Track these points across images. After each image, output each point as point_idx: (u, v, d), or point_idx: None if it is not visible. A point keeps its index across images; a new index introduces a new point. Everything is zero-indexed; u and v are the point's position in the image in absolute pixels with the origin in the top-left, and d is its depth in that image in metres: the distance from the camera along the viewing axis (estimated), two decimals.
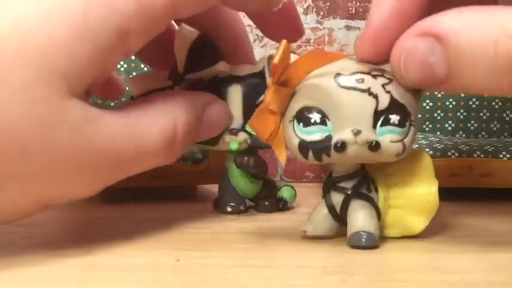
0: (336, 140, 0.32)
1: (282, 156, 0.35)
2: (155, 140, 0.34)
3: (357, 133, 0.32)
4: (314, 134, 0.33)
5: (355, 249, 0.34)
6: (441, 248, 0.35)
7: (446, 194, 0.47)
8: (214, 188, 0.50)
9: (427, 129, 0.55)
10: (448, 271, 0.30)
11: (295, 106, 0.33)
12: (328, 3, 0.56)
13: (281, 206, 0.44)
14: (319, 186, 0.53)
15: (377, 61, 0.33)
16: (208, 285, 0.28)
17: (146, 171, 0.35)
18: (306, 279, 0.29)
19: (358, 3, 0.60)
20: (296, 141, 0.34)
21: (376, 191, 0.35)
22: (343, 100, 0.32)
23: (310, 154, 0.33)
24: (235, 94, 0.40)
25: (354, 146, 0.32)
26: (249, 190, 0.43)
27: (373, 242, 0.34)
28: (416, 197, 0.35)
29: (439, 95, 0.51)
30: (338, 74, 0.32)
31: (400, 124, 0.32)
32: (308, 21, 0.60)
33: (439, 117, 0.54)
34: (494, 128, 0.53)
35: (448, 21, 0.29)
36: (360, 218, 0.34)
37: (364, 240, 0.34)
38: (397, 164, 0.34)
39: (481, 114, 0.53)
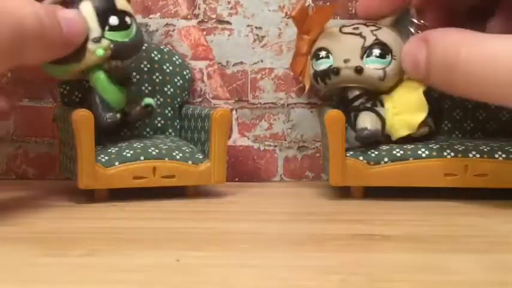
0: (333, 67, 0.47)
1: (307, 85, 0.51)
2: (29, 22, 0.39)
3: (346, 61, 0.47)
4: (322, 65, 0.48)
5: (355, 250, 0.34)
6: (441, 248, 0.35)
7: (443, 193, 0.47)
8: (215, 187, 0.50)
9: None
10: (448, 271, 0.30)
11: (314, 47, 0.49)
12: (328, 3, 0.56)
13: (150, 110, 0.48)
14: (319, 186, 0.54)
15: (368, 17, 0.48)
16: (208, 285, 0.28)
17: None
18: (306, 279, 0.29)
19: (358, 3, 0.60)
20: (312, 71, 0.49)
21: (382, 105, 0.48)
22: (342, 40, 0.47)
23: (319, 79, 0.48)
24: (87, 8, 0.44)
25: (345, 70, 0.47)
26: (119, 99, 0.47)
27: (373, 135, 0.47)
28: (411, 101, 0.47)
29: (436, 96, 0.51)
30: (343, 26, 0.48)
31: (381, 56, 0.47)
32: None
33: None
34: (490, 129, 0.53)
35: (435, 32, 0.42)
36: (364, 119, 0.47)
37: (365, 133, 0.46)
38: (398, 88, 0.48)
39: (477, 114, 0.53)
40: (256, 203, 0.47)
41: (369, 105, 0.48)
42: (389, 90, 0.48)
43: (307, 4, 0.56)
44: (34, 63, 0.44)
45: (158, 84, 0.53)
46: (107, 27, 0.45)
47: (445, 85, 0.42)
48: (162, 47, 0.54)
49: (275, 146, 0.57)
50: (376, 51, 0.47)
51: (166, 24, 0.56)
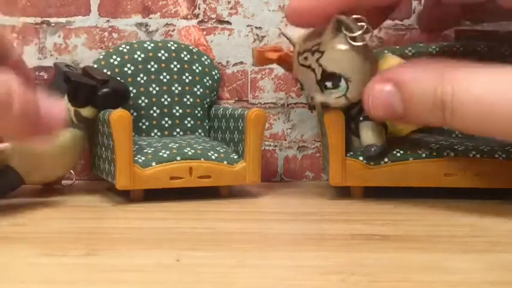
0: (308, 102, 0.44)
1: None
2: None
3: (312, 99, 0.43)
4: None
5: (355, 250, 0.34)
6: (441, 248, 0.35)
7: (443, 193, 0.47)
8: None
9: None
10: (448, 271, 0.30)
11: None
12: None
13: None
14: (319, 186, 0.54)
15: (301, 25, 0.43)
16: (208, 285, 0.28)
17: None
18: (306, 279, 0.29)
19: None
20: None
21: None
22: (302, 75, 0.43)
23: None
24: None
25: (316, 106, 0.43)
26: None
27: (381, 150, 0.46)
28: None
29: None
30: (298, 54, 0.43)
31: (334, 86, 0.43)
32: None
33: None
34: None
35: (404, 71, 0.39)
36: (367, 134, 0.46)
37: (373, 150, 0.46)
38: None
39: None
40: (256, 203, 0.47)
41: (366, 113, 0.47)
42: None
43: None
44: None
45: (188, 85, 0.53)
46: None
47: (433, 123, 0.39)
48: (191, 47, 0.54)
49: (275, 146, 0.57)
50: (329, 84, 0.43)
51: (166, 24, 0.56)
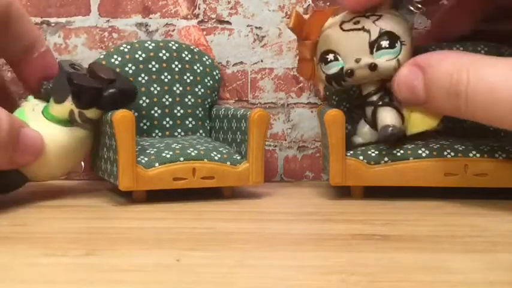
0: (346, 69, 0.46)
1: (321, 88, 0.50)
2: None
3: (358, 60, 0.46)
4: (332, 68, 0.47)
5: (355, 250, 0.34)
6: (441, 248, 0.35)
7: (443, 193, 0.47)
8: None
9: None
10: (448, 271, 0.30)
11: (319, 52, 0.47)
12: (328, 3, 0.56)
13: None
14: (319, 186, 0.54)
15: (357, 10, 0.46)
16: (208, 285, 0.28)
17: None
18: (306, 279, 0.29)
19: None
20: (323, 75, 0.47)
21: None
22: (346, 39, 0.46)
23: (334, 82, 0.47)
24: None
25: (359, 70, 0.46)
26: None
27: (398, 132, 0.46)
28: None
29: None
30: (342, 22, 0.46)
31: (391, 46, 0.45)
32: None
33: None
34: (491, 128, 0.53)
35: (429, 57, 0.43)
36: (386, 116, 0.46)
37: (390, 130, 0.46)
38: None
39: None
40: (256, 203, 0.47)
41: (387, 99, 0.47)
42: None
43: (307, 4, 0.56)
44: None
45: (189, 85, 0.53)
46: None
47: (449, 110, 0.43)
48: (192, 47, 0.54)
49: (275, 146, 0.57)
50: (385, 43, 0.45)
51: (166, 24, 0.56)
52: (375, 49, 0.45)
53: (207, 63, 0.54)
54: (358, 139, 0.49)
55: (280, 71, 0.56)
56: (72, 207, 0.45)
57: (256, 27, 0.56)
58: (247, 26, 0.56)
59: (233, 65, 0.56)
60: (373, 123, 0.47)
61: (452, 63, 0.41)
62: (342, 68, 0.46)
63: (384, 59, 0.45)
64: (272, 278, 0.29)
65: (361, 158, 0.47)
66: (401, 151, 0.47)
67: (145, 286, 0.28)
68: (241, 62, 0.56)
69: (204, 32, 0.56)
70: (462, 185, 0.47)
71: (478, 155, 0.47)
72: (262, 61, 0.56)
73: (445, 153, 0.47)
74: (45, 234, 0.37)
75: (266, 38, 0.56)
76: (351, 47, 0.46)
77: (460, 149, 0.47)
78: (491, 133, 0.53)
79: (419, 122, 0.46)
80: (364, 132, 0.48)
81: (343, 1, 0.46)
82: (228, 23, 0.56)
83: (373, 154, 0.47)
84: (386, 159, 0.47)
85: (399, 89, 0.44)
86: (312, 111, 0.57)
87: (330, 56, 0.46)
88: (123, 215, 0.43)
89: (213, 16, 0.56)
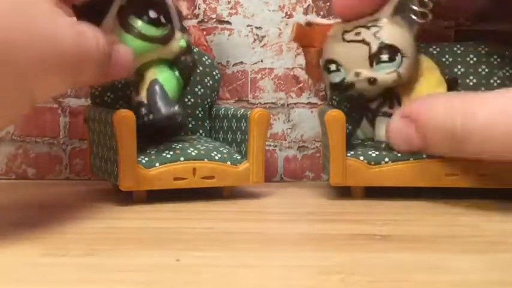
0: (346, 81, 0.46)
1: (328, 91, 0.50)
2: (92, 48, 0.39)
3: (357, 74, 0.46)
4: (335, 78, 0.47)
5: (355, 250, 0.34)
6: (441, 248, 0.35)
7: (443, 193, 0.47)
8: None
9: None
10: (448, 271, 0.30)
11: (322, 60, 0.48)
12: (328, 3, 0.56)
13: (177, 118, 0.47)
14: (319, 186, 0.54)
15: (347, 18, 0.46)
16: (208, 285, 0.28)
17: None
18: (306, 279, 0.29)
19: None
20: (328, 82, 0.48)
21: (400, 104, 0.47)
22: (347, 51, 0.46)
23: (336, 91, 0.48)
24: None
25: (359, 83, 0.46)
26: (177, 92, 0.47)
27: (389, 148, 0.46)
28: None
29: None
30: (344, 31, 0.46)
31: (390, 60, 0.45)
32: None
33: None
34: None
35: (420, 105, 0.43)
36: (382, 129, 0.47)
37: (383, 146, 0.47)
38: (416, 81, 0.47)
39: None
40: (256, 203, 0.47)
41: (385, 108, 0.47)
42: (407, 85, 0.47)
43: (307, 4, 0.56)
44: (83, 85, 0.44)
45: (189, 85, 0.53)
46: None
47: (449, 153, 0.43)
48: (192, 47, 0.54)
49: (275, 146, 0.57)
50: (384, 57, 0.45)
51: None
52: (374, 63, 0.45)
53: (207, 63, 0.54)
54: (359, 132, 0.50)
55: (280, 71, 0.56)
56: (72, 207, 0.45)
57: (256, 27, 0.56)
58: (247, 26, 0.56)
59: (233, 65, 0.56)
60: (372, 126, 0.49)
61: (443, 109, 0.41)
62: (343, 79, 0.47)
63: (384, 72, 0.46)
64: (272, 278, 0.29)
65: (361, 158, 0.47)
66: None
67: (145, 286, 0.28)
68: (241, 62, 0.56)
69: (204, 32, 0.56)
70: (462, 185, 0.47)
71: None
72: (262, 61, 0.56)
73: None
74: (45, 234, 0.37)
75: (266, 38, 0.56)
76: (352, 58, 0.46)
77: None
78: None
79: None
80: (365, 127, 0.50)
81: (335, 10, 0.47)
82: (228, 23, 0.56)
83: (374, 154, 0.47)
84: (386, 159, 0.47)
85: (394, 142, 0.45)
86: (312, 111, 0.57)
87: (332, 66, 0.47)
88: (123, 215, 0.43)
89: (213, 16, 0.56)
